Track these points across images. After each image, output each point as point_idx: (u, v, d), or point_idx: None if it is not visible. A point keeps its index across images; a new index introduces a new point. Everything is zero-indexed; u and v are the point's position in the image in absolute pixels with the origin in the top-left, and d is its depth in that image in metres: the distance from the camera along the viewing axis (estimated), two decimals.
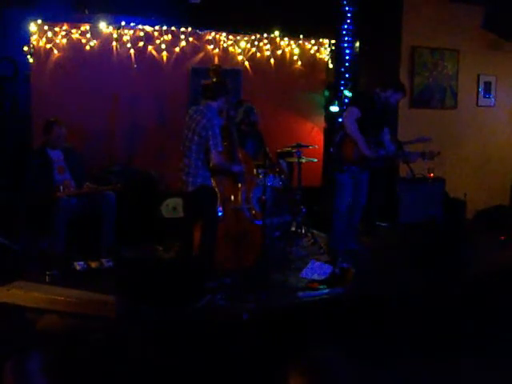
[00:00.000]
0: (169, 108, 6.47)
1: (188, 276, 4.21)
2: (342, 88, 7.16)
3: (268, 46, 6.94)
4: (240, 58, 6.84)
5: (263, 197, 4.86)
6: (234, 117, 5.39)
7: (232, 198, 5.00)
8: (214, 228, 4.77)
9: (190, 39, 6.52)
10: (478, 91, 8.06)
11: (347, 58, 7.19)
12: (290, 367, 1.38)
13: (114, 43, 6.17)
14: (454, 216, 7.03)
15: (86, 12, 5.85)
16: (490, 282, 4.93)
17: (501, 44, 7.97)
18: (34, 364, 2.63)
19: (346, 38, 7.16)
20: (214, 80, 4.94)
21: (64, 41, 5.95)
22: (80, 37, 6.01)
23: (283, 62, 7.10)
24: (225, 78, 5.03)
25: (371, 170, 5.47)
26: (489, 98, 8.16)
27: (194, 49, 6.58)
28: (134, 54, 6.27)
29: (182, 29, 6.43)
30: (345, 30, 7.14)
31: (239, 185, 5.03)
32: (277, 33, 6.90)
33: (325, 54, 7.34)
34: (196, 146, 4.63)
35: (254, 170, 5.44)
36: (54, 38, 5.90)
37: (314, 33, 7.13)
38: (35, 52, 5.79)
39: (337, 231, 5.44)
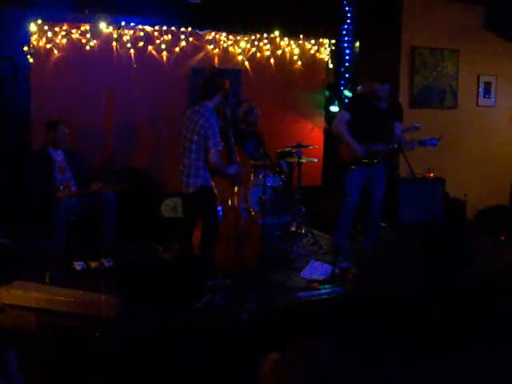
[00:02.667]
0: (169, 108, 6.46)
1: (188, 276, 4.21)
2: (341, 88, 7.17)
3: (268, 46, 6.93)
4: (240, 58, 6.83)
5: (263, 197, 4.86)
6: (232, 116, 5.37)
7: (230, 198, 5.00)
8: (214, 228, 4.77)
9: (190, 39, 6.51)
10: (478, 91, 8.06)
11: (347, 58, 7.20)
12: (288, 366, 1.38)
13: (114, 43, 6.16)
14: (454, 216, 7.03)
15: (86, 12, 5.85)
16: (490, 282, 4.93)
17: (501, 44, 7.97)
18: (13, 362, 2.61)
19: (346, 38, 7.17)
20: (206, 79, 4.94)
21: (64, 41, 5.95)
22: (80, 37, 6.01)
23: (283, 61, 7.10)
24: (216, 76, 5.01)
25: (384, 162, 5.43)
26: (489, 98, 8.16)
27: (194, 49, 6.58)
28: (134, 54, 6.26)
29: (182, 29, 6.43)
30: (345, 29, 7.14)
31: (236, 185, 5.03)
32: (277, 33, 6.90)
33: (325, 54, 7.33)
34: (196, 145, 4.62)
35: (251, 170, 5.44)
36: (53, 37, 5.89)
37: (314, 33, 7.12)
38: (35, 52, 5.79)
39: (341, 229, 5.46)
